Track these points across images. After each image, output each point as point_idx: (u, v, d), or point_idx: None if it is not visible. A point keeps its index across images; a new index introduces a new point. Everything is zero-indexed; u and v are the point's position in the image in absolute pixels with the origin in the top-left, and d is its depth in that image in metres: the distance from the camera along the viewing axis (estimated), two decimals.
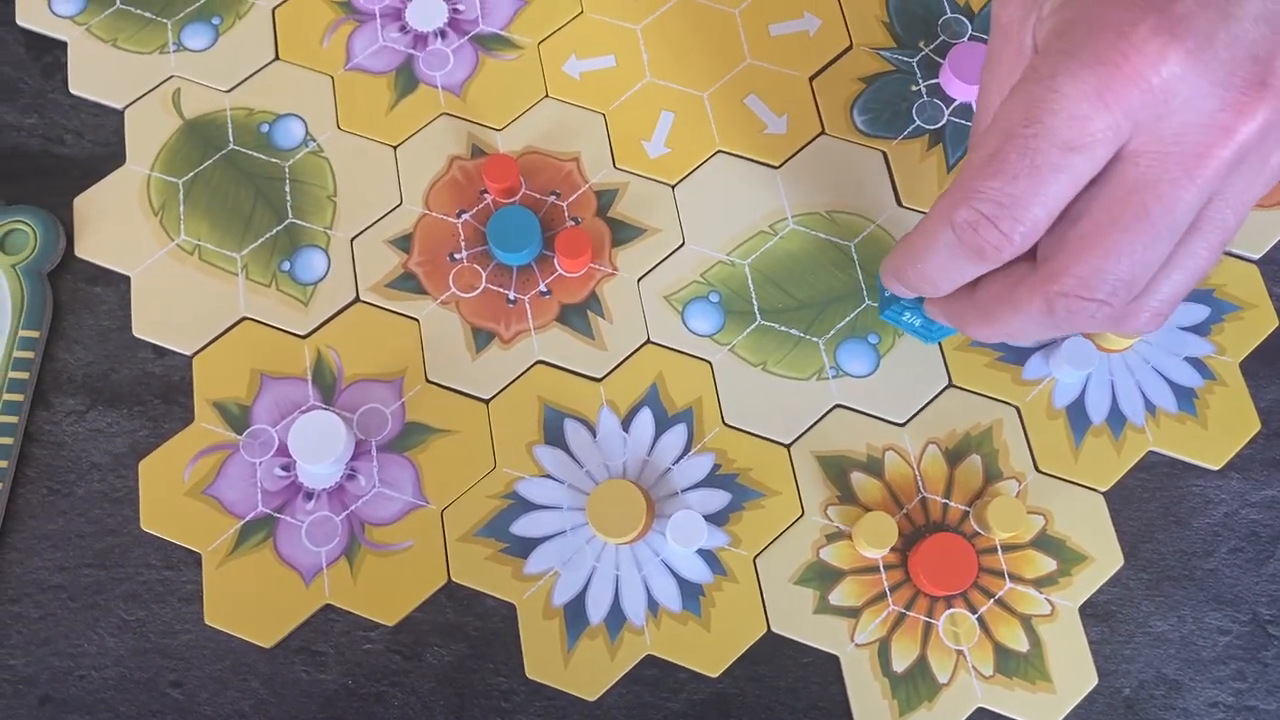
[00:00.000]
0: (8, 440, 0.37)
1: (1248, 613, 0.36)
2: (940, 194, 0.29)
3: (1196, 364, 0.39)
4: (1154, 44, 0.25)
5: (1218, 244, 0.28)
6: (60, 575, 0.37)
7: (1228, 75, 0.25)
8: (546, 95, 0.42)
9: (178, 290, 0.40)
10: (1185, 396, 0.38)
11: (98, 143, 0.42)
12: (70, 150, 0.42)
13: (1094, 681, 0.35)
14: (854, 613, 0.36)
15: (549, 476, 0.37)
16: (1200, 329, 0.39)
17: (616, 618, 0.36)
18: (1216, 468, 0.38)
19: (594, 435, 0.38)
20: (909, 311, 0.36)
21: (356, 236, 0.40)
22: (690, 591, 0.36)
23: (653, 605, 0.36)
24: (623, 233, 0.40)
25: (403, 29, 0.43)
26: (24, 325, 0.39)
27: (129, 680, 0.35)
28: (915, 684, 0.35)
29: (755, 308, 0.39)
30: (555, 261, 0.40)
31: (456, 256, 0.40)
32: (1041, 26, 0.28)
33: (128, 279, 0.40)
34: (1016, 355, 0.39)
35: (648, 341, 0.39)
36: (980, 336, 0.32)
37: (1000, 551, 0.37)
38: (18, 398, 0.38)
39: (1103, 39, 0.26)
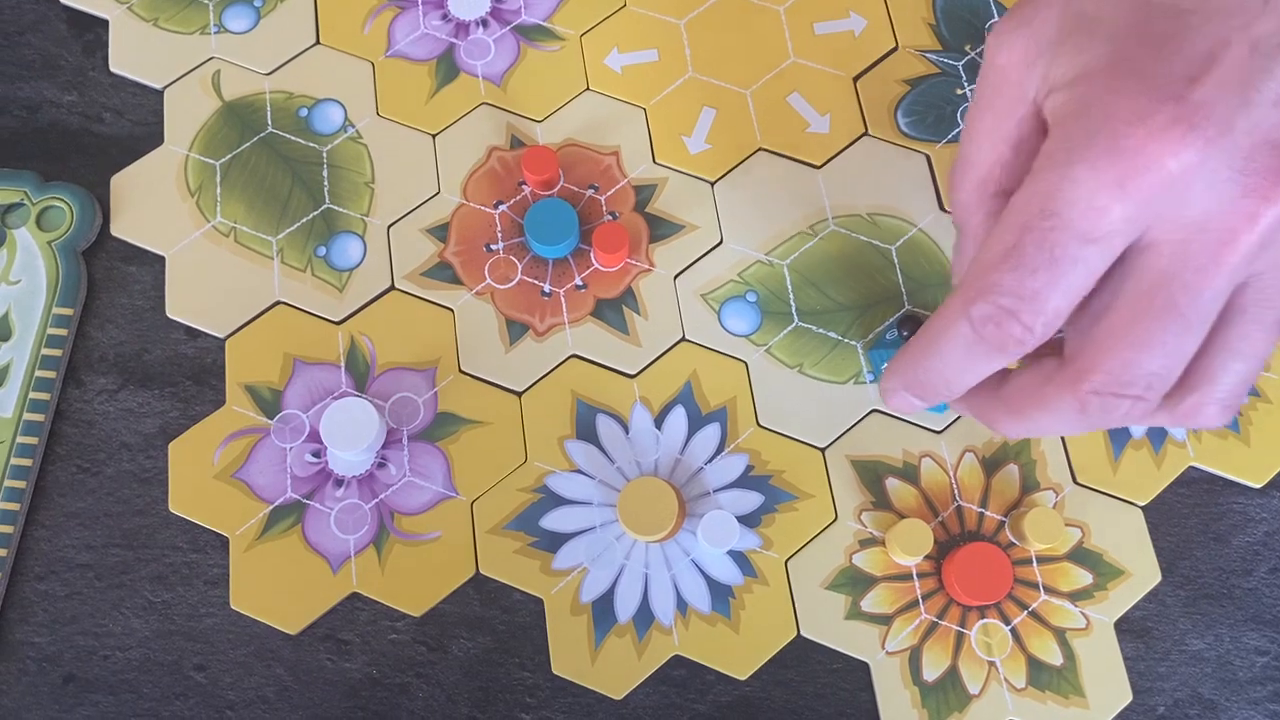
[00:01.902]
0: (39, 417, 0.37)
1: None
2: (949, 293, 0.29)
3: None
4: (1174, 133, 0.25)
5: (1270, 322, 0.27)
6: (87, 554, 0.36)
7: (1247, 161, 0.25)
8: (587, 88, 0.42)
9: (212, 272, 0.39)
10: None
11: (137, 122, 0.42)
12: (109, 129, 0.42)
13: (1128, 698, 0.35)
14: (885, 620, 0.35)
15: (580, 472, 0.37)
16: None
17: (645, 616, 0.35)
18: (1258, 485, 0.37)
19: (626, 431, 0.37)
20: None
21: (393, 224, 0.40)
22: (720, 593, 0.36)
23: (681, 605, 0.35)
24: (661, 229, 0.40)
25: (445, 17, 0.43)
26: (58, 302, 0.39)
27: (153, 662, 0.35)
28: (946, 694, 0.35)
29: (793, 309, 0.39)
30: (592, 255, 0.39)
31: (493, 247, 0.40)
32: (1054, 96, 0.28)
33: (163, 259, 0.40)
34: None
35: (683, 339, 0.39)
36: (1011, 434, 0.31)
37: (1035, 563, 0.36)
38: (50, 375, 0.38)
39: (1120, 127, 0.25)
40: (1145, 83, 0.25)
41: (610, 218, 0.40)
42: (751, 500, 0.37)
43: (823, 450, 0.37)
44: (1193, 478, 0.37)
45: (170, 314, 0.39)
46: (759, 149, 0.41)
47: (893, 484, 0.37)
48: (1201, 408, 0.28)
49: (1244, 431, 0.38)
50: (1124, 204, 0.25)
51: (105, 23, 0.43)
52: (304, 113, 0.42)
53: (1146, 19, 0.26)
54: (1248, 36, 0.25)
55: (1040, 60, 0.28)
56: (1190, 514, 0.37)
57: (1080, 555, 0.36)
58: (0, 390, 0.37)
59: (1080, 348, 0.28)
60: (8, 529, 0.36)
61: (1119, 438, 0.37)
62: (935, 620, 0.35)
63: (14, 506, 0.36)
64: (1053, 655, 0.35)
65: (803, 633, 0.35)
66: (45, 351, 0.38)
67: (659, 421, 0.38)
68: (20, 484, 0.36)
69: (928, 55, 0.42)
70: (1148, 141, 0.25)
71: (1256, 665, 0.35)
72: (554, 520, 0.36)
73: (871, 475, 0.37)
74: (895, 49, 0.42)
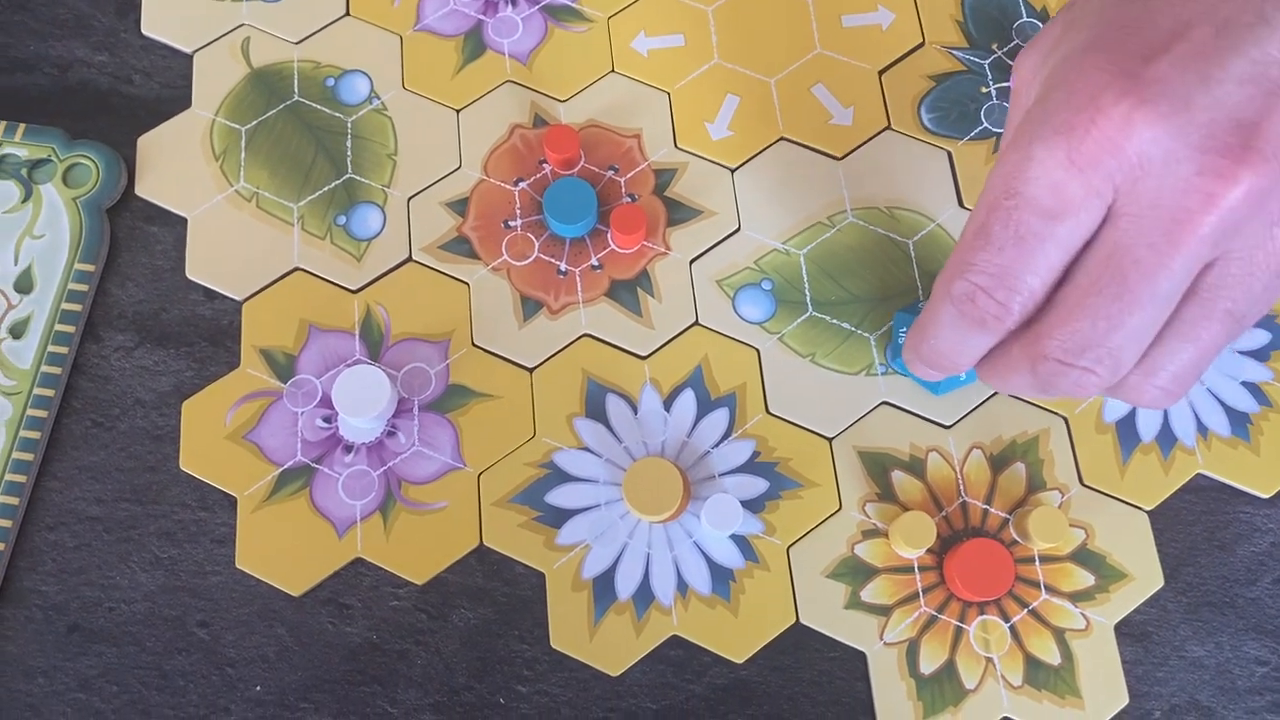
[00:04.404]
0: (56, 370, 0.38)
1: None
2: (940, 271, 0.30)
3: (1253, 389, 0.38)
4: (1121, 108, 0.25)
5: (1221, 314, 0.27)
6: (98, 507, 0.37)
7: (1205, 139, 0.25)
8: (613, 70, 0.42)
9: (233, 236, 0.40)
10: (1239, 421, 0.38)
11: (165, 84, 0.42)
12: (138, 90, 0.42)
13: (1124, 701, 0.35)
14: (885, 611, 0.35)
15: (587, 449, 0.37)
16: (1260, 354, 0.38)
17: (645, 595, 0.35)
18: (1266, 496, 0.37)
19: (635, 412, 0.38)
20: None
21: (414, 196, 0.40)
22: (721, 575, 0.36)
23: (682, 586, 0.36)
24: (679, 213, 0.40)
25: None
26: (80, 259, 0.39)
27: (157, 616, 0.36)
28: (942, 687, 0.35)
29: (808, 298, 0.39)
30: (609, 236, 0.40)
31: (511, 224, 0.40)
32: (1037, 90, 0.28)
33: (184, 221, 0.40)
34: None
35: (696, 323, 0.39)
36: (995, 388, 0.31)
37: (1038, 562, 0.36)
38: (69, 329, 0.38)
39: (1073, 103, 0.26)
40: (1103, 62, 0.26)
41: (629, 200, 0.40)
42: (757, 486, 0.37)
43: (830, 440, 0.37)
44: (1201, 485, 0.37)
45: (190, 275, 0.39)
46: (781, 138, 0.41)
47: (898, 477, 0.37)
48: (1141, 387, 0.28)
49: (1254, 441, 0.37)
50: (1079, 180, 0.25)
51: None
52: (330, 82, 0.42)
53: (1119, 7, 0.27)
54: (1214, 17, 0.25)
55: (1041, 69, 0.29)
56: (1196, 521, 0.37)
57: (1083, 556, 0.36)
58: (19, 342, 0.38)
59: (1044, 312, 0.28)
60: (21, 479, 0.36)
61: (1128, 441, 0.37)
62: (935, 614, 0.35)
63: (28, 457, 0.37)
64: (1051, 655, 0.35)
65: (801, 620, 0.35)
66: (65, 306, 0.38)
67: (668, 404, 0.38)
68: (35, 434, 0.37)
69: (954, 52, 0.42)
70: (1097, 117, 0.25)
71: (1256, 675, 0.35)
72: (559, 496, 0.37)
73: (878, 467, 0.37)
74: (922, 45, 0.42)
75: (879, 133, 0.41)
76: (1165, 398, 0.29)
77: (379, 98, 0.42)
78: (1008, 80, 0.42)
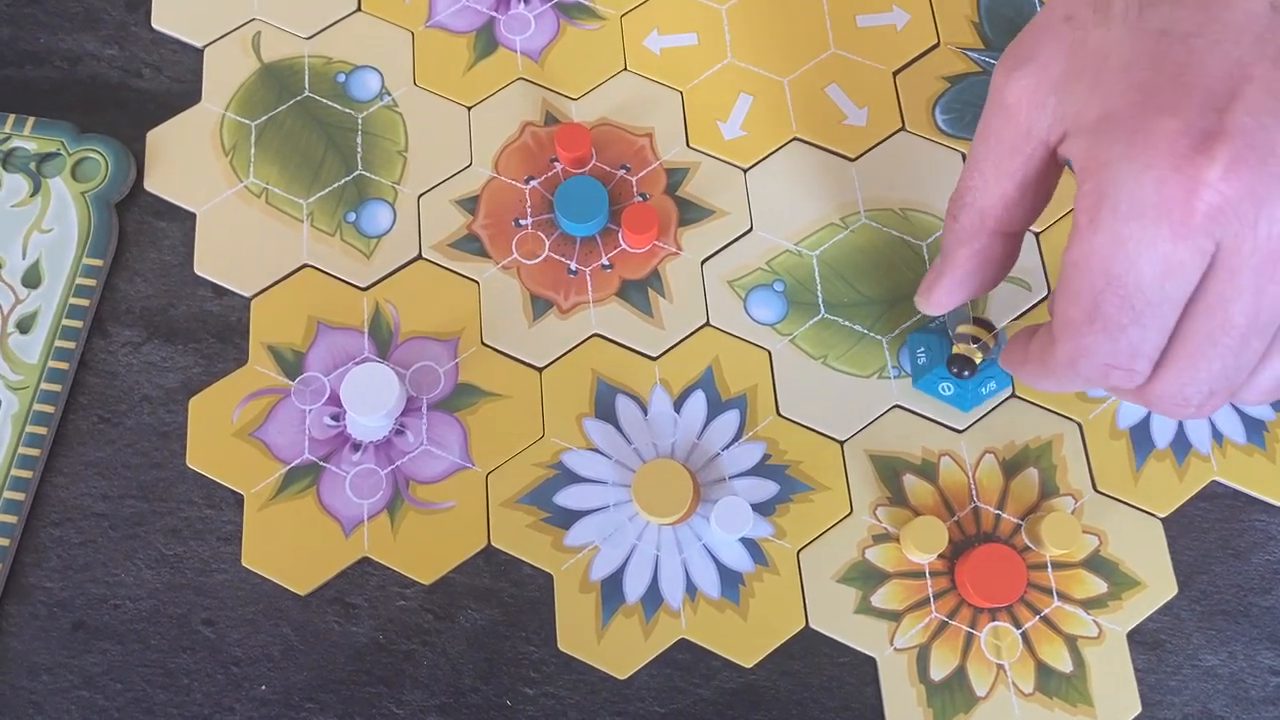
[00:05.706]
0: (63, 365, 0.38)
1: None
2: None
3: None
4: (1215, 170, 0.25)
5: None
6: (103, 504, 0.37)
7: None
8: (625, 68, 0.42)
9: (242, 231, 0.40)
10: (1255, 429, 0.37)
11: (175, 79, 0.42)
12: (148, 84, 0.42)
13: (1137, 710, 0.34)
14: (895, 616, 0.35)
15: (597, 450, 0.37)
16: None
17: (653, 598, 0.35)
18: None
19: (645, 413, 0.37)
20: (944, 382, 0.37)
21: (424, 194, 0.40)
22: (730, 579, 0.35)
23: (691, 589, 0.35)
24: (690, 213, 0.40)
25: None
26: (89, 253, 0.39)
27: (162, 614, 0.35)
28: (952, 694, 0.34)
29: (820, 300, 0.39)
30: (620, 236, 0.39)
31: (521, 222, 0.40)
32: (1074, 140, 0.27)
33: (193, 216, 0.40)
34: None
35: (706, 324, 0.38)
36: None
37: (1050, 568, 0.36)
38: (77, 324, 0.38)
39: (1157, 173, 0.25)
40: (1172, 123, 0.25)
41: (640, 199, 0.40)
42: (767, 489, 0.36)
43: (842, 443, 0.37)
44: (1215, 492, 0.37)
45: (198, 271, 0.39)
46: (794, 138, 0.41)
47: (910, 481, 0.37)
48: (1246, 399, 0.30)
49: (1270, 449, 0.37)
50: (1184, 247, 0.26)
51: None
52: (341, 78, 0.42)
53: (1155, 49, 0.26)
54: (1266, 51, 0.25)
55: (1050, 98, 0.28)
56: (1211, 528, 0.36)
57: (1096, 563, 0.36)
58: (27, 337, 0.38)
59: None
60: (27, 474, 0.36)
61: (1142, 448, 0.37)
62: (945, 620, 0.35)
63: (34, 452, 0.36)
64: (1063, 662, 0.35)
65: (811, 624, 0.35)
66: (73, 301, 0.38)
67: (678, 405, 0.37)
68: (41, 430, 0.37)
69: (969, 53, 0.42)
70: (1192, 186, 0.25)
71: (1270, 685, 0.35)
72: (568, 497, 0.36)
73: (889, 471, 0.37)
74: (937, 45, 0.42)
75: (893, 134, 0.41)
76: (1263, 399, 0.30)
77: (390, 94, 0.41)
78: None
